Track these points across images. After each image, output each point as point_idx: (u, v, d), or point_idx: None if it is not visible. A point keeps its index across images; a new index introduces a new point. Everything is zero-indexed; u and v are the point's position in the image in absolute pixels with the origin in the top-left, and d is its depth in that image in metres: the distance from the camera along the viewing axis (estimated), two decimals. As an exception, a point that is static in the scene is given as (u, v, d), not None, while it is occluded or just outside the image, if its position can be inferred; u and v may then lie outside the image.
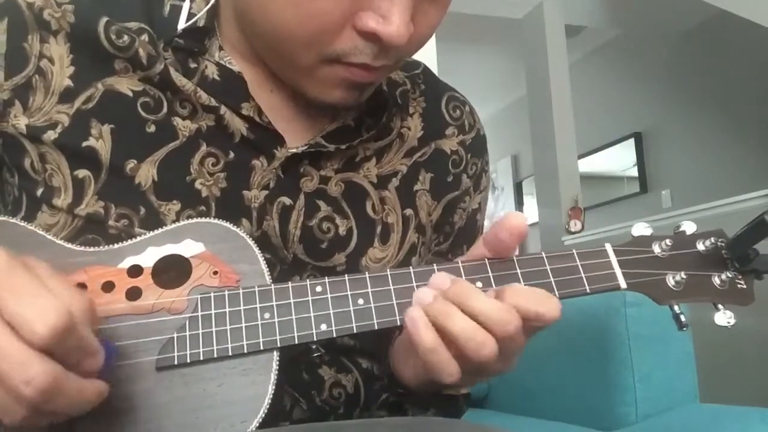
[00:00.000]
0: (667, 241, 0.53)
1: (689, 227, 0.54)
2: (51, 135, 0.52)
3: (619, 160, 5.18)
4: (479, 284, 0.49)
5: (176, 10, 0.56)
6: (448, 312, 0.44)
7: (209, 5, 0.56)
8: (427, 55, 1.79)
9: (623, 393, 0.94)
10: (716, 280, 0.52)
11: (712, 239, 0.53)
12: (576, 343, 1.02)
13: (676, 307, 0.51)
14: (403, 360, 0.56)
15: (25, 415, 0.35)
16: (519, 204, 6.34)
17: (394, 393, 0.59)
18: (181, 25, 0.55)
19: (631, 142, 5.02)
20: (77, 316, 0.36)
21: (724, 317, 0.51)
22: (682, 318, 0.51)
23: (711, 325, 0.51)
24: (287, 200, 0.57)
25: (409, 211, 0.63)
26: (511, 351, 0.46)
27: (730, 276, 0.52)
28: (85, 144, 0.53)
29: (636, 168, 5.00)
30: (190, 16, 0.56)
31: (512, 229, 0.48)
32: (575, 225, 3.79)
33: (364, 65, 0.51)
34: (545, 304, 0.45)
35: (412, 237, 0.62)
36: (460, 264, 0.50)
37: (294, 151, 0.57)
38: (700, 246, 0.53)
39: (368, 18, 0.48)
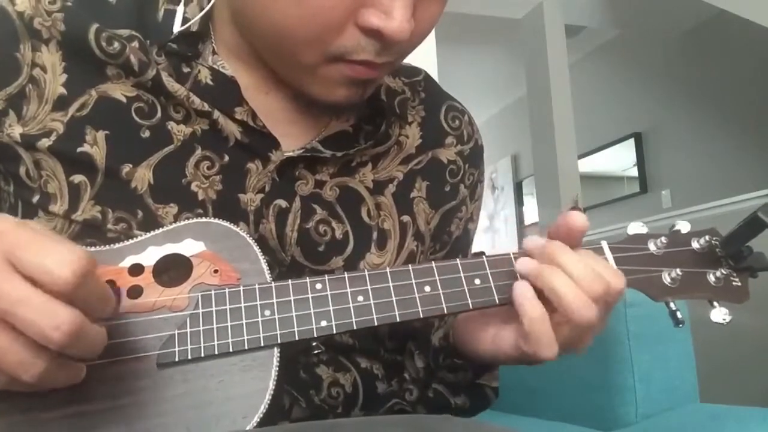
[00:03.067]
0: (663, 239, 0.53)
1: (684, 227, 0.55)
2: (45, 142, 0.53)
3: (619, 160, 5.17)
4: (477, 281, 0.50)
5: (170, 14, 0.56)
6: (552, 271, 0.47)
7: (204, 11, 0.55)
8: (427, 55, 1.79)
9: (623, 393, 0.94)
10: (711, 278, 0.52)
11: (707, 237, 0.53)
12: (575, 343, 1.02)
13: (672, 304, 0.51)
14: (478, 330, 0.55)
15: (43, 369, 0.36)
16: (519, 204, 6.33)
17: (447, 365, 0.61)
18: (176, 29, 0.55)
19: (631, 142, 5.02)
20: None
21: (719, 314, 0.51)
22: (678, 314, 0.51)
23: (711, 324, 0.52)
24: (283, 203, 0.57)
25: (406, 218, 0.63)
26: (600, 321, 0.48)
27: (725, 273, 0.52)
28: (79, 150, 0.53)
29: (636, 168, 4.99)
30: (185, 20, 0.55)
31: (569, 226, 0.51)
32: (575, 225, 3.78)
33: (367, 62, 0.51)
34: (615, 275, 0.48)
35: (411, 244, 0.62)
36: (459, 261, 0.50)
37: (289, 154, 0.57)
38: (695, 244, 0.54)
39: (370, 14, 0.48)
